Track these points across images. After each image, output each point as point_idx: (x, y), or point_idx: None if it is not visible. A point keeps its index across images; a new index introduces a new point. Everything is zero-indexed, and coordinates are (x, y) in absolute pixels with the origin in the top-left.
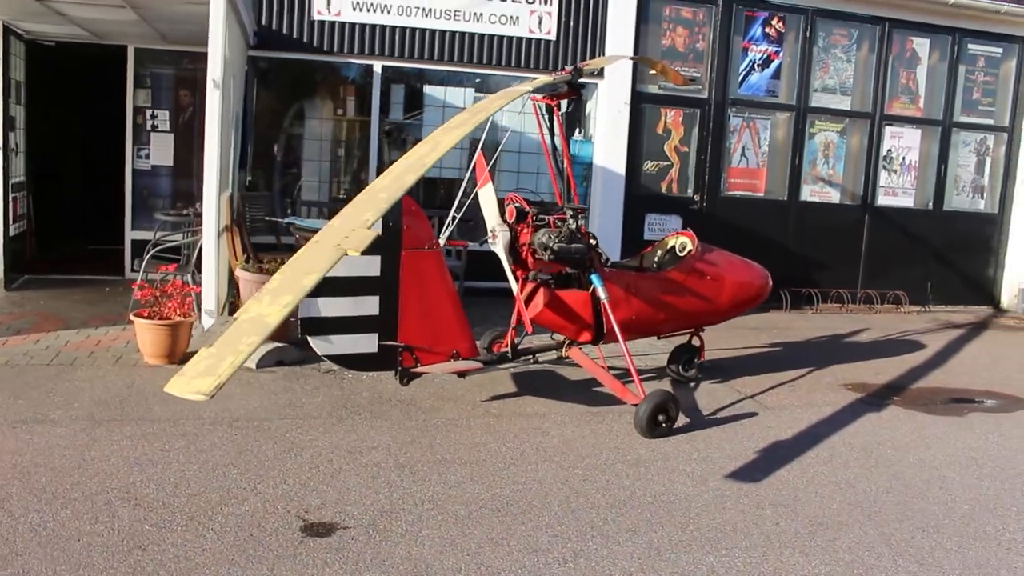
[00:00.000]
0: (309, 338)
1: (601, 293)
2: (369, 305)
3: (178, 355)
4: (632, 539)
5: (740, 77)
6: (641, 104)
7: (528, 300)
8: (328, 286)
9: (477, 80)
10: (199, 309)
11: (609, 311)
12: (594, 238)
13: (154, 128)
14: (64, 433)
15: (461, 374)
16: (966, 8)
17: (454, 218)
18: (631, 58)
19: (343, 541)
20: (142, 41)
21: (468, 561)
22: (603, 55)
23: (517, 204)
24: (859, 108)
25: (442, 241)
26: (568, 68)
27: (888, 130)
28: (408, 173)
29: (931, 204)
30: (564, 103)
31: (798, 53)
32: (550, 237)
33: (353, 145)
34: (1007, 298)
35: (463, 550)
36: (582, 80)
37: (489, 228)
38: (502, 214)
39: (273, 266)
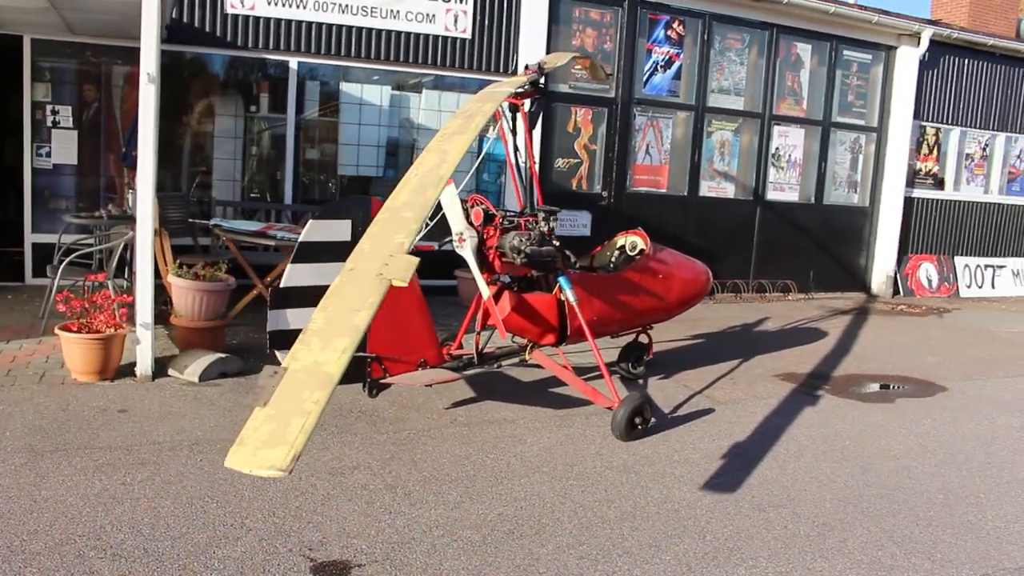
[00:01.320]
0: (277, 352)
1: (571, 296)
2: None
3: (111, 370)
4: (658, 555)
5: (644, 77)
6: (552, 103)
7: (494, 304)
8: (296, 296)
9: (394, 78)
10: (131, 320)
11: (579, 314)
12: (558, 239)
13: (55, 124)
14: (2, 469)
15: (429, 384)
16: (843, 17)
17: (426, 223)
18: (576, 56)
19: None
20: (41, 31)
21: None
22: (516, 54)
23: (483, 206)
24: (751, 108)
25: (409, 246)
26: (532, 67)
27: (776, 129)
28: (428, 188)
29: (813, 198)
30: (527, 103)
31: (697, 55)
32: (521, 240)
33: (267, 143)
34: (876, 285)
35: None
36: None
37: (455, 231)
38: (467, 217)
39: (209, 272)
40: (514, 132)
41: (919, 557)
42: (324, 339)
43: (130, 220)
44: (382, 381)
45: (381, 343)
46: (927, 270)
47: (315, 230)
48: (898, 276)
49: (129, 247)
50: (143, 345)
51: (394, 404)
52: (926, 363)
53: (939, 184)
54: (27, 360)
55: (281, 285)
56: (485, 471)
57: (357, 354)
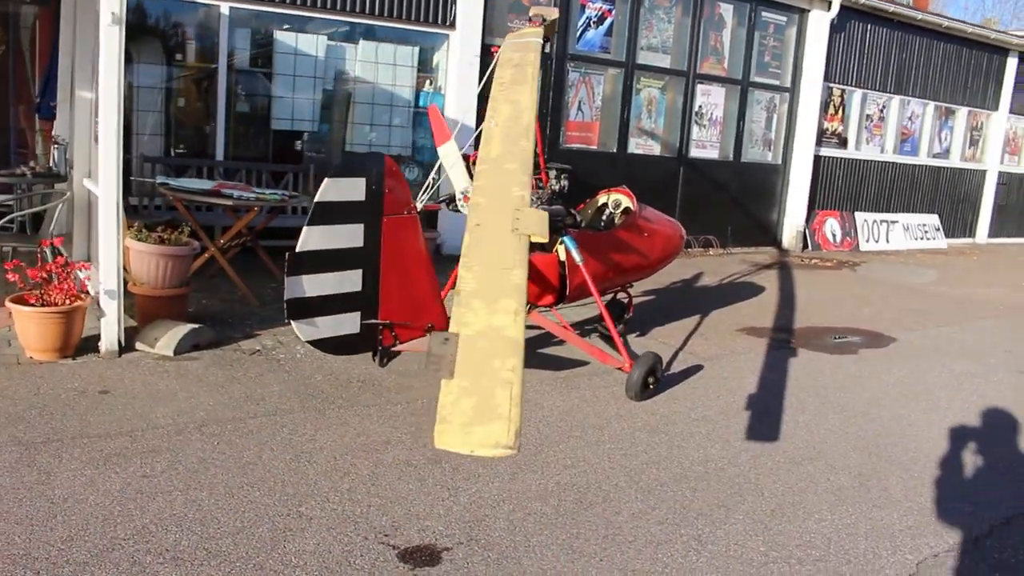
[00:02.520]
0: (293, 323)
1: (576, 256)
2: (352, 280)
3: (72, 346)
4: (729, 515)
5: (578, 33)
6: (488, 56)
7: None
8: (312, 261)
9: (332, 28)
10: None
11: (586, 273)
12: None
13: None
14: None
15: None
16: None
17: (434, 179)
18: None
19: (466, 566)
20: None
21: (608, 566)
22: (455, 5)
23: None
24: (676, 66)
25: (419, 205)
26: (536, 20)
27: (699, 88)
28: (520, 138)
29: (732, 156)
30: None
31: (628, 12)
32: (532, 199)
33: (195, 95)
34: (787, 239)
35: (592, 555)
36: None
37: (459, 190)
38: (471, 175)
39: (173, 236)
40: None
41: (959, 501)
42: (487, 301)
43: (55, 178)
44: (393, 349)
45: (393, 309)
46: (832, 225)
47: (331, 189)
48: (807, 231)
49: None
50: (109, 317)
51: (391, 371)
52: (864, 315)
53: (843, 143)
54: None
55: (297, 249)
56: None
57: (370, 321)
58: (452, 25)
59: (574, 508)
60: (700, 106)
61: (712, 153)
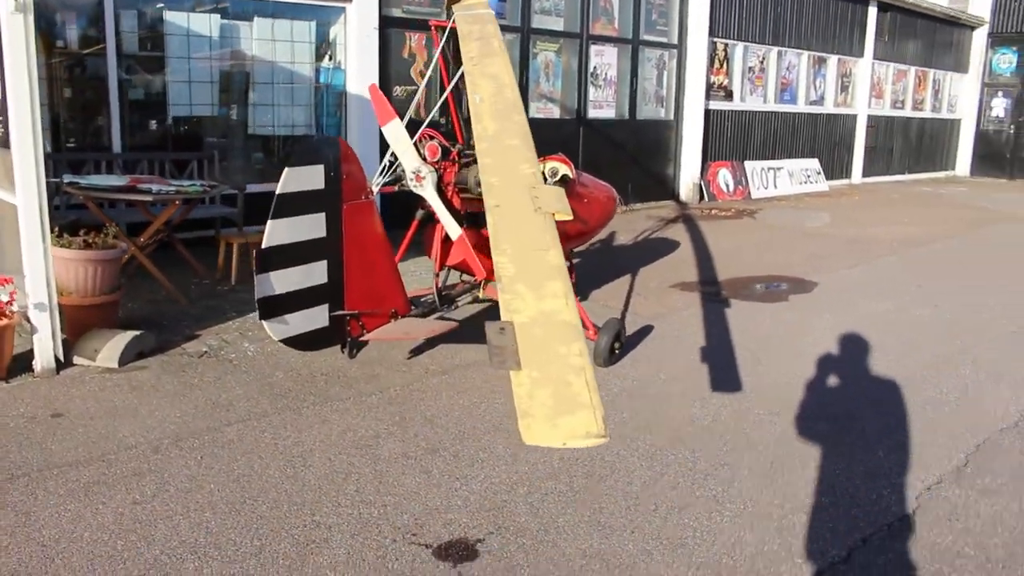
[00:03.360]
0: (265, 323)
1: None
2: (318, 272)
3: (3, 368)
4: (734, 472)
5: None
6: (387, 28)
7: (446, 243)
8: (280, 256)
9: (222, 5)
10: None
11: None
12: None
13: None
14: None
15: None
16: None
17: (391, 162)
18: None
19: (505, 556)
20: None
21: (642, 537)
22: None
23: (437, 140)
24: (570, 29)
25: (375, 188)
26: None
27: (593, 48)
28: (512, 113)
29: (627, 115)
30: None
31: None
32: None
33: (83, 84)
34: (684, 192)
35: (622, 528)
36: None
37: (411, 170)
38: (420, 153)
39: (100, 239)
40: (456, 59)
41: (930, 433)
42: (533, 286)
43: None
44: (361, 339)
45: (357, 298)
46: (724, 176)
47: (291, 179)
48: (702, 183)
49: None
50: (42, 333)
51: (355, 362)
52: (778, 261)
53: (728, 96)
54: None
55: (263, 245)
56: (508, 417)
57: (337, 313)
58: None
59: (587, 483)
60: (595, 67)
61: (609, 113)
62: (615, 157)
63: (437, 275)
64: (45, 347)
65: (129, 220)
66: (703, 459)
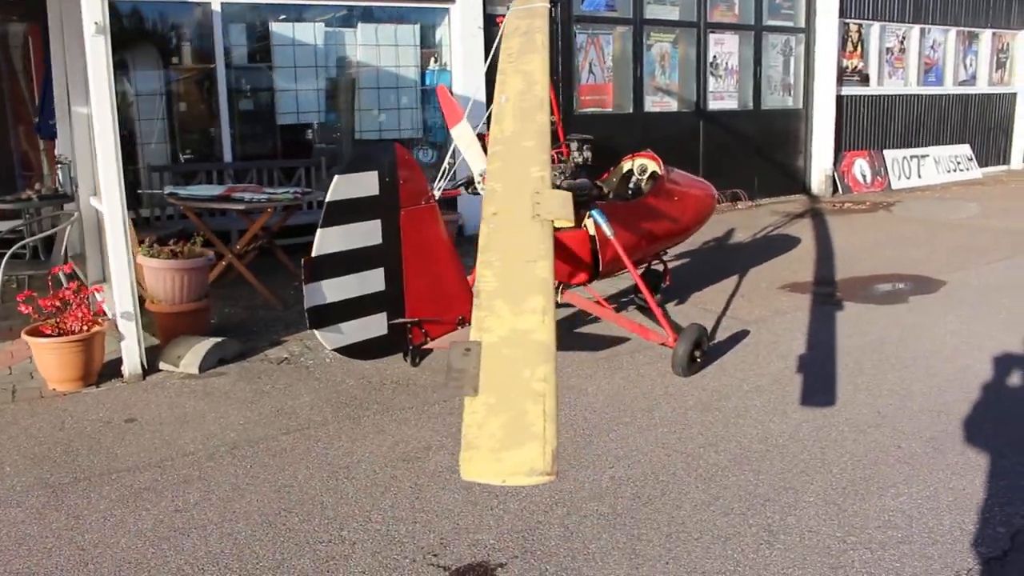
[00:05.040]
0: (317, 333)
1: (607, 230)
2: (374, 280)
3: (95, 374)
4: (798, 497)
5: None
6: (492, 27)
7: None
8: (331, 265)
9: (329, 14)
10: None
11: (618, 247)
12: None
13: None
14: (23, 516)
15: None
16: None
17: (450, 164)
18: None
19: None
20: None
21: (674, 569)
22: None
23: None
24: (686, 18)
25: (437, 193)
26: None
27: (712, 37)
28: (535, 112)
29: (751, 105)
30: None
31: None
32: (555, 175)
33: (196, 97)
34: (816, 185)
35: (656, 558)
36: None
37: (477, 172)
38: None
39: (187, 248)
40: None
41: None
42: (511, 301)
43: (62, 199)
44: (424, 347)
45: (420, 305)
46: (861, 166)
47: (342, 186)
48: (835, 174)
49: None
50: (128, 340)
51: (425, 369)
52: (909, 258)
53: (864, 80)
54: None
55: (313, 254)
56: (565, 431)
57: (398, 320)
58: (453, 0)
59: (632, 505)
60: (714, 56)
61: (731, 104)
62: (739, 150)
63: None
64: (131, 354)
65: (239, 228)
66: (766, 481)
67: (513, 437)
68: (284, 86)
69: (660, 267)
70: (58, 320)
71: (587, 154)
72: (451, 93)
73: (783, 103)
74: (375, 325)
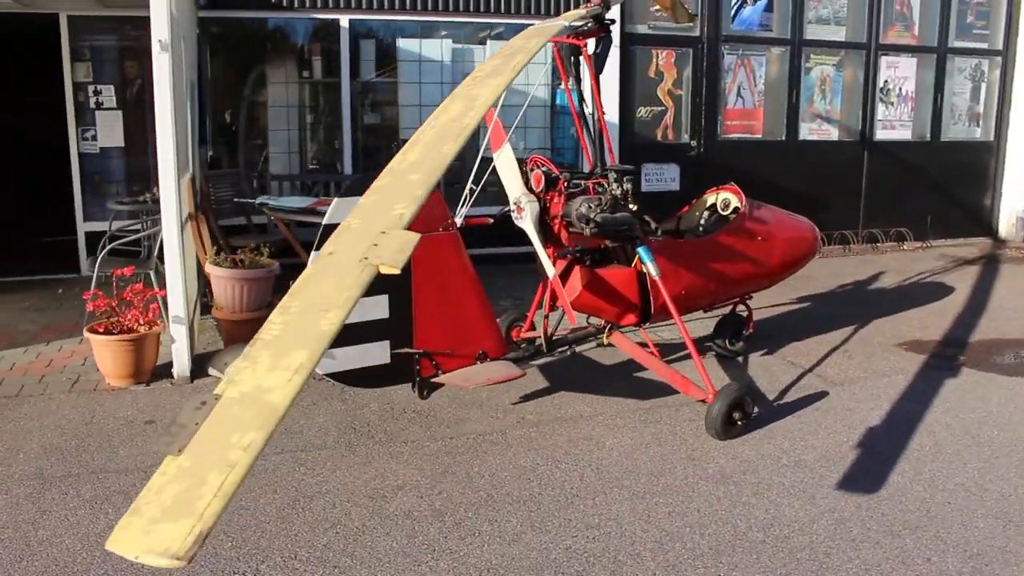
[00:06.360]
0: None
1: (652, 269)
2: (377, 307)
3: (146, 372)
4: None
5: (732, 11)
6: (631, 46)
7: (561, 282)
8: None
9: (458, 31)
10: (166, 315)
11: (663, 289)
12: (637, 203)
13: (99, 106)
14: (4, 503)
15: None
16: None
17: (472, 191)
18: None
19: None
20: (75, 7)
21: None
22: None
23: (544, 168)
24: (854, 39)
25: (459, 220)
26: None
27: (884, 60)
28: (445, 142)
29: (928, 135)
30: (592, 43)
31: None
32: (591, 207)
33: (322, 110)
34: (1005, 228)
35: None
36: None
37: (512, 199)
38: (526, 182)
39: (248, 257)
40: (578, 79)
41: None
42: (276, 354)
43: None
44: (433, 380)
45: (430, 336)
46: None
47: (341, 209)
48: None
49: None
50: (178, 344)
51: (454, 401)
52: None
53: None
54: (64, 363)
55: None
56: (553, 487)
57: (400, 351)
58: None
59: None
60: (885, 81)
61: (904, 134)
62: (910, 186)
63: (547, 317)
64: (181, 357)
65: None
66: None
67: (176, 509)
68: (408, 101)
69: (744, 311)
70: (112, 319)
71: (627, 186)
72: (561, 113)
73: (969, 134)
74: (375, 353)
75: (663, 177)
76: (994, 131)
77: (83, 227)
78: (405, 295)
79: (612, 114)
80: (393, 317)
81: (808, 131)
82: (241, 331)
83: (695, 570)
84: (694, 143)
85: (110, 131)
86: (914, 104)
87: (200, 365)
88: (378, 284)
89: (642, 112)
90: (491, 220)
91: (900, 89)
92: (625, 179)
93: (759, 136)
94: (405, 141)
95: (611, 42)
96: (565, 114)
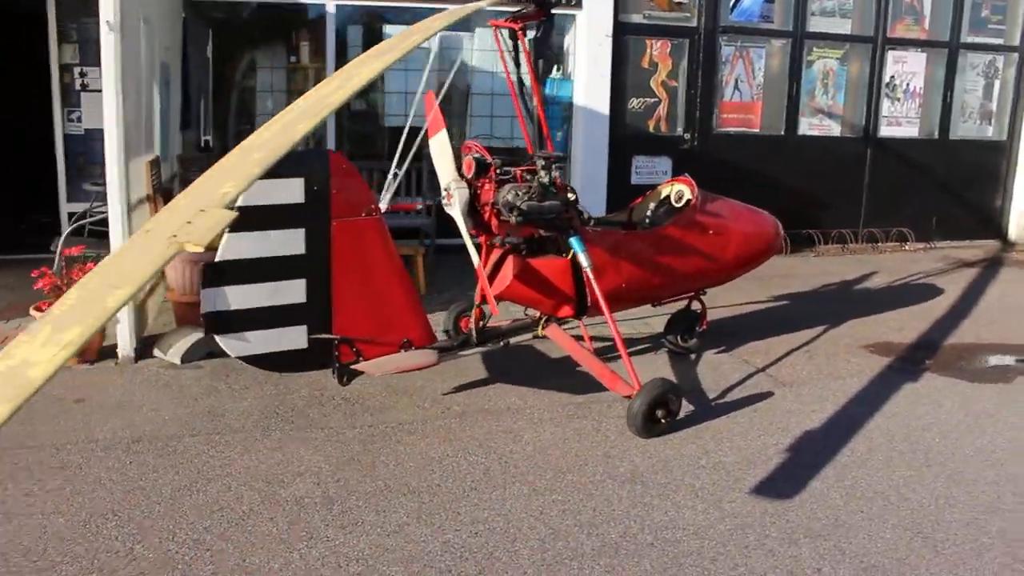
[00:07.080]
0: (218, 338)
1: (583, 259)
2: (294, 291)
3: (93, 352)
4: None
5: (731, 2)
6: (624, 36)
7: (494, 271)
8: (236, 271)
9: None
10: None
11: (592, 280)
12: (573, 192)
13: (84, 87)
14: None
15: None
16: None
17: (395, 175)
18: None
19: None
20: None
21: None
22: None
23: (477, 155)
24: (860, 32)
25: (384, 205)
26: None
27: (891, 55)
28: (301, 120)
29: (936, 133)
30: (531, 28)
31: None
32: (517, 195)
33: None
34: (1015, 230)
35: None
36: (557, 9)
37: (443, 185)
38: (459, 168)
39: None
40: (517, 64)
41: None
42: (56, 329)
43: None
44: (353, 367)
45: (350, 322)
46: None
47: (260, 191)
48: None
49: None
50: (122, 324)
51: (387, 389)
52: None
53: None
54: None
55: (217, 259)
56: (454, 479)
57: (318, 336)
58: (578, 4)
59: None
60: (892, 76)
61: (910, 131)
62: (914, 184)
63: (478, 306)
64: (124, 338)
65: None
66: None
67: None
68: (394, 89)
69: (698, 308)
70: (53, 299)
71: (555, 173)
72: (571, 103)
73: (980, 133)
74: (291, 337)
75: (655, 170)
76: (1007, 131)
77: (66, 207)
78: (324, 280)
79: (603, 106)
80: (311, 302)
81: (808, 126)
82: (192, 313)
83: (569, 570)
84: (688, 135)
85: (96, 113)
86: (922, 101)
87: (150, 346)
88: (295, 268)
89: (634, 103)
90: (419, 206)
91: (907, 85)
92: (554, 165)
93: (757, 130)
94: (392, 129)
95: (552, 26)
96: (555, 104)
